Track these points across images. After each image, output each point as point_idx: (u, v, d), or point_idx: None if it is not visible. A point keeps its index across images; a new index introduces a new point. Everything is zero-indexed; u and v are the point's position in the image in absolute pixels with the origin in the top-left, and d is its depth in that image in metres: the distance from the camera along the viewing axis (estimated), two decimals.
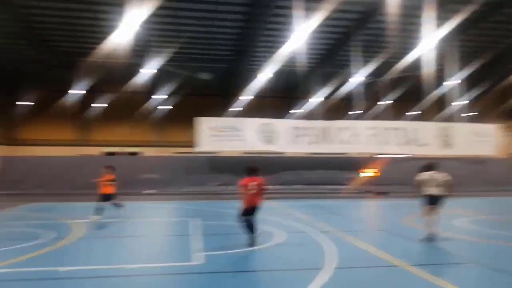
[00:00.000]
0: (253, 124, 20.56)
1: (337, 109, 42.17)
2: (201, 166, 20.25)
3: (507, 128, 43.82)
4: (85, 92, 36.53)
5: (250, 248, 7.61)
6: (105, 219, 11.22)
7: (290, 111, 42.50)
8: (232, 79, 38.56)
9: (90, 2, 23.50)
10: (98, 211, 10.87)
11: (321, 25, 25.79)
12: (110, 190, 11.19)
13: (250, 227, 7.88)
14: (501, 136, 43.71)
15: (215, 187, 20.10)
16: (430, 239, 8.30)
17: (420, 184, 8.79)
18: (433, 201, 8.55)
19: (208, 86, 38.70)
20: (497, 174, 22.95)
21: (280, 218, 11.58)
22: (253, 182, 7.86)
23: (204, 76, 34.14)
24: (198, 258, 6.83)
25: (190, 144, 33.50)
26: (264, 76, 32.51)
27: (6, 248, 7.61)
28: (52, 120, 39.83)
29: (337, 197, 18.26)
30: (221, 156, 22.73)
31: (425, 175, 8.80)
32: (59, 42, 30.34)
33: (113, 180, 11.27)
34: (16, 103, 39.16)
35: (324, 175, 21.32)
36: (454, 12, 23.48)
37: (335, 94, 39.26)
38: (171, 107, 41.15)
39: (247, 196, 7.81)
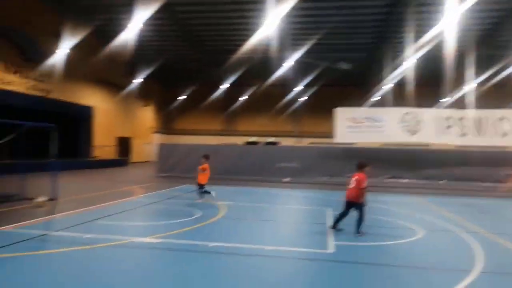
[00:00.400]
0: (395, 114, 19.43)
1: (494, 96, 37.02)
2: (337, 156, 20.07)
3: None
4: (230, 86, 39.71)
5: (390, 242, 7.39)
6: (246, 203, 12.15)
7: (438, 100, 38.93)
8: (372, 68, 37.10)
9: (238, 2, 25.30)
10: (202, 195, 12.05)
11: (478, 2, 22.87)
12: (203, 178, 12.03)
13: (338, 219, 8.14)
14: None
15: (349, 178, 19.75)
16: None
17: None
18: None
19: (346, 76, 38.06)
20: None
21: (422, 214, 10.84)
22: (353, 178, 8.00)
23: (343, 66, 33.60)
24: (333, 246, 6.94)
25: (326, 135, 33.66)
26: (408, 62, 30.38)
27: (162, 222, 8.94)
28: (202, 112, 44.44)
29: (491, 196, 16.13)
30: (358, 147, 22.14)
31: None
32: (211, 41, 33.50)
33: (204, 169, 12.02)
34: (174, 97, 44.87)
35: (477, 171, 18.95)
36: None
37: (492, 79, 34.59)
38: (308, 98, 41.82)
39: (346, 190, 8.13)
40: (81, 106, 29.26)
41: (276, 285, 5.05)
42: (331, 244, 7.17)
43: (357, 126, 19.65)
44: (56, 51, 25.15)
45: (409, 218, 10.18)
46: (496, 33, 27.96)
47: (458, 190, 17.70)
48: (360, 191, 7.87)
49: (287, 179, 19.72)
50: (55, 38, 25.16)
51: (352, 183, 7.99)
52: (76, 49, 26.32)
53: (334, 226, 8.20)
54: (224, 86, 39.04)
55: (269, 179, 19.91)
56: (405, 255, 6.73)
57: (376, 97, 39.00)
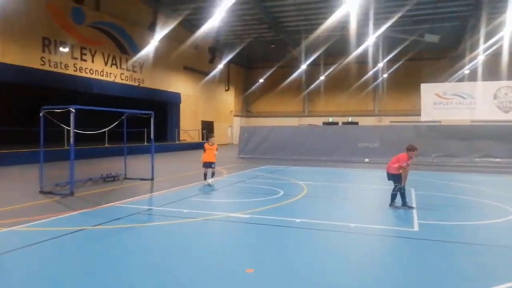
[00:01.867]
0: (488, 89, 18.13)
1: None
2: (420, 135, 19.27)
3: None
4: (309, 66, 39.49)
5: (479, 222, 7.25)
6: (327, 183, 12.43)
7: None
8: (465, 38, 34.25)
9: None
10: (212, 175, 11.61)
11: None
12: (211, 157, 11.52)
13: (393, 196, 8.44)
14: None
15: (438, 158, 18.89)
16: None
17: None
18: None
19: (433, 48, 35.64)
20: None
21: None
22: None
23: (431, 38, 31.45)
24: (417, 225, 7.00)
25: (408, 113, 32.13)
26: (505, 31, 27.57)
27: (250, 200, 9.62)
28: (281, 94, 44.87)
29: None
30: (444, 126, 20.99)
31: None
32: (289, 22, 33.54)
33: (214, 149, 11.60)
34: (254, 81, 45.83)
35: None
36: None
37: None
38: (390, 74, 40.03)
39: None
40: (170, 93, 31.43)
41: (365, 259, 5.35)
42: (416, 222, 7.22)
43: (444, 102, 18.71)
44: (148, 42, 27.27)
45: (501, 198, 9.68)
46: None
47: None
48: (398, 167, 8.26)
49: (367, 160, 19.49)
50: (148, 30, 27.30)
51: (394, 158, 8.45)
52: (165, 39, 28.25)
53: (392, 203, 8.47)
54: (303, 66, 38.96)
55: (349, 159, 19.86)
56: (494, 235, 6.57)
57: (467, 71, 36.13)
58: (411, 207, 8.39)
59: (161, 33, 27.17)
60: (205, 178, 11.57)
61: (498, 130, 18.50)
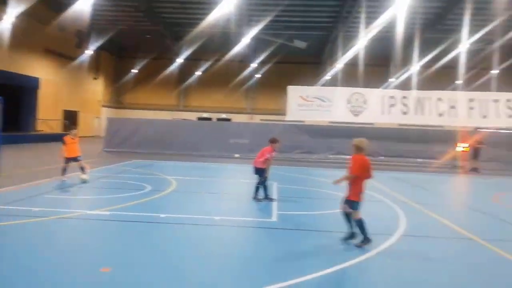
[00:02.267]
0: (343, 94, 20.28)
1: (437, 78, 39.29)
2: (286, 132, 20.79)
3: None
4: (185, 60, 39.11)
5: (329, 211, 8.08)
6: (197, 178, 12.51)
7: (387, 80, 40.77)
8: (327, 47, 37.95)
9: None
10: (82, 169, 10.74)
11: None
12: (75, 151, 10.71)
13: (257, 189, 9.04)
14: None
15: (299, 154, 20.62)
16: None
17: None
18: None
19: (302, 54, 38.70)
20: None
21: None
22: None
23: (299, 44, 34.08)
24: (274, 216, 7.50)
25: (278, 112, 34.37)
26: (361, 43, 31.47)
27: (112, 196, 9.12)
28: (155, 86, 43.53)
29: (426, 171, 17.59)
30: (306, 125, 22.98)
31: None
32: (169, 13, 32.62)
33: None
34: (126, 71, 43.51)
35: (415, 148, 20.48)
36: None
37: (436, 62, 36.66)
38: (263, 75, 42.19)
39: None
40: (26, 77, 27.81)
41: (225, 250, 5.50)
42: (275, 213, 7.74)
43: (307, 104, 20.32)
44: (1, 18, 23.62)
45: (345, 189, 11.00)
46: (441, 17, 29.46)
47: (396, 166, 19.08)
48: (264, 160, 8.86)
49: (237, 155, 20.23)
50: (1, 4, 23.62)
51: (259, 153, 9.02)
52: (24, 17, 24.84)
53: (255, 196, 9.01)
54: (179, 60, 38.41)
55: (221, 154, 20.33)
56: (341, 222, 7.43)
57: (328, 76, 40.16)
58: (272, 199, 8.97)
59: (17, 9, 23.81)
60: (63, 174, 10.52)
61: (349, 130, 20.97)
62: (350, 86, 21.46)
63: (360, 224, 5.78)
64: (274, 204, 8.57)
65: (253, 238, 6.34)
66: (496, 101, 19.61)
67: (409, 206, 9.10)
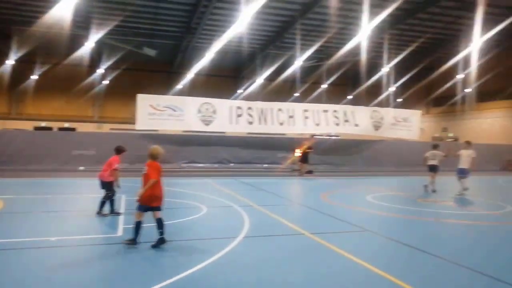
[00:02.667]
0: (194, 104, 20.66)
1: (279, 91, 43.30)
2: (139, 143, 20.18)
3: (433, 114, 47.49)
4: (17, 62, 34.39)
5: (178, 220, 8.16)
6: (32, 196, 11.19)
7: (237, 91, 43.08)
8: (179, 56, 38.12)
9: None
10: None
11: (269, 7, 26.24)
12: None
13: (102, 204, 8.66)
14: (424, 122, 47.30)
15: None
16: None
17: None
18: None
19: (152, 62, 38.01)
20: (416, 155, 24.93)
21: (209, 194, 12.18)
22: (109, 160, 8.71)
23: (149, 51, 33.39)
24: (122, 230, 7.26)
25: (129, 121, 33.07)
26: (211, 54, 32.54)
27: None
28: None
29: (271, 175, 19.21)
30: (161, 134, 22.71)
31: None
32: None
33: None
34: None
35: (261, 154, 22.14)
36: (389, 3, 24.79)
37: (279, 76, 40.30)
38: (112, 82, 39.99)
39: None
40: None
41: (63, 271, 5.07)
42: (121, 227, 7.48)
43: (158, 113, 20.08)
44: None
45: (198, 198, 11.31)
46: (280, 35, 32.57)
47: (244, 171, 20.35)
48: (111, 171, 8.58)
49: (82, 168, 18.76)
50: None
51: (105, 165, 8.65)
52: None
53: (100, 211, 8.58)
54: (9, 62, 33.57)
55: (62, 168, 18.55)
56: (189, 230, 7.61)
57: (180, 86, 40.42)
58: (119, 213, 8.64)
59: None
60: None
61: (200, 139, 21.52)
62: (201, 96, 22.04)
63: (162, 223, 6.34)
64: (121, 218, 8.27)
65: (93, 256, 6.00)
66: (325, 111, 22.63)
67: (254, 209, 9.85)
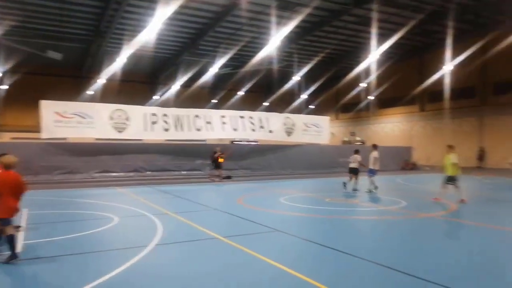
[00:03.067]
0: (105, 110, 19.73)
1: (198, 97, 43.25)
2: (42, 152, 18.75)
3: (342, 119, 50.94)
4: None
5: (86, 232, 7.79)
6: None
7: (152, 97, 42.01)
8: (88, 61, 36.13)
9: None
10: None
11: (181, 13, 26.11)
12: None
13: None
14: (334, 127, 50.60)
15: (59, 175, 18.90)
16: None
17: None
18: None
19: (58, 65, 35.52)
20: (326, 158, 26.60)
21: (122, 203, 11.77)
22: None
23: (54, 55, 31.11)
24: (21, 246, 6.73)
25: (34, 129, 30.48)
26: (123, 59, 31.35)
27: None
28: None
29: (187, 183, 19.07)
30: (68, 143, 21.31)
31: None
32: None
33: None
34: None
35: (179, 162, 21.86)
36: (297, 15, 26.22)
37: (196, 82, 40.22)
38: (12, 87, 36.50)
39: None
40: None
41: None
42: (20, 244, 6.94)
43: (65, 121, 18.87)
44: None
45: (110, 208, 10.88)
46: (196, 42, 32.58)
47: (161, 179, 19.98)
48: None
49: None
50: None
51: None
52: None
53: None
54: None
55: None
56: (98, 242, 7.31)
57: (91, 92, 38.36)
58: (19, 227, 7.97)
59: None
60: None
61: (114, 147, 20.60)
62: (115, 102, 21.19)
63: (11, 239, 5.87)
64: (21, 234, 7.66)
65: None
66: (242, 117, 23.15)
67: (168, 217, 9.76)
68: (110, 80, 37.50)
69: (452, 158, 12.07)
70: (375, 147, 15.41)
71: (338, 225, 9.27)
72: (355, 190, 15.02)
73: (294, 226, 8.95)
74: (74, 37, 31.39)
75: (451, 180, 12.14)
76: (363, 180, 15.73)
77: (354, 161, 15.52)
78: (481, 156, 33.46)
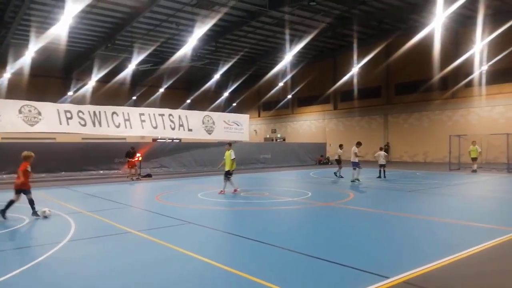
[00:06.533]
0: (13, 105, 18.47)
1: (117, 93, 41.94)
2: None
3: (264, 117, 52.65)
4: None
5: None
6: None
7: (67, 93, 39.85)
8: None
9: None
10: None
11: (96, 7, 25.25)
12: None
13: None
14: (257, 125, 52.19)
15: None
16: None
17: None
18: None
19: None
20: (246, 154, 27.65)
21: (35, 204, 11.42)
22: None
23: None
24: None
25: None
26: (31, 53, 29.42)
27: None
28: None
29: (106, 182, 18.73)
30: None
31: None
32: None
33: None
34: None
35: (95, 161, 21.26)
36: (216, 14, 26.78)
37: (114, 78, 38.96)
38: None
39: None
40: None
41: None
42: None
43: None
44: None
45: (20, 209, 10.54)
46: (112, 36, 31.60)
47: (78, 179, 19.37)
48: None
49: None
50: None
51: None
52: None
53: None
54: None
55: None
56: (4, 242, 7.25)
57: None
58: None
59: None
60: None
61: (24, 147, 19.27)
62: (24, 99, 19.92)
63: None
64: None
65: None
66: (161, 115, 23.11)
67: (83, 215, 9.81)
68: (17, 74, 35.01)
69: (231, 154, 13.77)
70: (359, 144, 18.13)
71: (251, 216, 10.06)
72: (341, 177, 19.03)
73: (208, 219, 9.54)
74: None
75: (228, 174, 13.74)
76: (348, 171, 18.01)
77: (339, 153, 20.18)
78: (386, 151, 36.94)
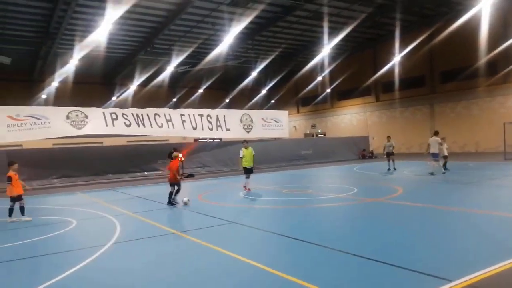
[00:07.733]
0: (62, 111, 19.17)
1: (157, 96, 42.87)
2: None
3: (303, 113, 51.96)
4: None
5: (47, 236, 7.83)
6: None
7: (111, 98, 41.24)
8: (38, 64, 34.92)
9: None
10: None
11: (134, 12, 25.78)
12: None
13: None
14: (296, 121, 51.57)
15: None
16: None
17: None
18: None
19: (10, 70, 34.16)
20: (287, 152, 27.34)
21: (81, 207, 11.74)
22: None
23: (3, 59, 29.88)
24: None
25: None
26: (75, 61, 30.59)
27: None
28: None
29: (149, 183, 19.04)
30: (25, 149, 20.68)
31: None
32: None
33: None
34: None
35: (139, 163, 21.70)
36: (250, 11, 26.59)
37: (154, 81, 39.82)
38: None
39: None
40: None
41: None
42: None
43: (19, 123, 18.20)
44: None
45: (69, 212, 10.84)
46: (151, 41, 32.20)
47: (122, 181, 19.84)
48: None
49: None
50: None
51: None
52: None
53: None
54: None
55: None
56: (54, 245, 7.39)
57: (43, 95, 37.28)
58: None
59: None
60: None
61: (72, 151, 20.20)
62: (70, 105, 20.58)
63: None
64: None
65: None
66: (200, 115, 23.22)
67: (128, 216, 9.90)
68: (64, 82, 36.56)
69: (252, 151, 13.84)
70: (437, 133, 17.26)
71: (293, 214, 9.75)
72: (395, 169, 19.35)
73: (254, 218, 9.33)
74: (21, 39, 30.20)
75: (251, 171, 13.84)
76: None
77: (390, 146, 19.86)
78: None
